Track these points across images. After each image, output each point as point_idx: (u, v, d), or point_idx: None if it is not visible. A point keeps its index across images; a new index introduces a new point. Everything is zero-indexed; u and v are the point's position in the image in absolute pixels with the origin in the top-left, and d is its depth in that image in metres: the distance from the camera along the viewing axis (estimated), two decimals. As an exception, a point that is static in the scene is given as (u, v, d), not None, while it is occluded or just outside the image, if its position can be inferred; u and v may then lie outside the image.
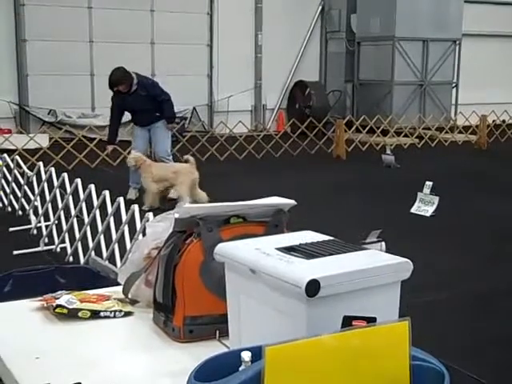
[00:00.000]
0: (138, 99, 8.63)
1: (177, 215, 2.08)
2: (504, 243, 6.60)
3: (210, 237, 1.95)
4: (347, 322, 1.51)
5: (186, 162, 8.46)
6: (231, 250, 1.76)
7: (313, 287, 1.47)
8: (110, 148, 9.16)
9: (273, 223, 2.02)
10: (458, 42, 16.23)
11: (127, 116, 9.34)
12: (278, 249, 1.72)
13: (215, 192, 8.68)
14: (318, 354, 1.30)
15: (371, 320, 1.51)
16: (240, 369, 1.39)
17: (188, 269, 1.94)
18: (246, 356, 1.38)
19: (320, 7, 17.41)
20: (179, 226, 2.05)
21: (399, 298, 1.63)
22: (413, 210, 7.76)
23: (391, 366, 1.34)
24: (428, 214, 7.60)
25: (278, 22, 16.52)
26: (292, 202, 2.07)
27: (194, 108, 15.78)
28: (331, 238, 1.85)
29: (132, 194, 8.64)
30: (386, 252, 3.09)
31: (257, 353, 1.40)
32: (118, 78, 8.68)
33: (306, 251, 1.68)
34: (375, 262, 1.58)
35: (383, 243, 4.12)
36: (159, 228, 2.30)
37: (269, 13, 16.39)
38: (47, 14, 14.18)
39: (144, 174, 8.10)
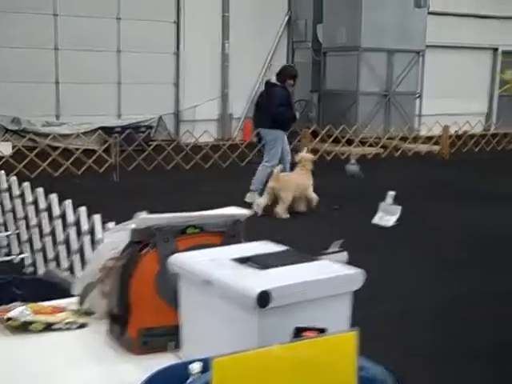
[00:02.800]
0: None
1: (133, 225, 2.07)
2: (466, 252, 6.69)
3: (165, 247, 1.94)
4: (298, 332, 1.52)
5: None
6: (186, 260, 1.76)
7: (264, 298, 1.47)
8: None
9: (230, 233, 2.03)
10: (421, 53, 16.46)
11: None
12: (233, 259, 1.72)
13: (180, 201, 8.66)
14: (266, 365, 1.30)
15: (322, 331, 1.52)
16: (188, 381, 1.39)
17: (143, 279, 1.93)
18: (194, 368, 1.39)
19: (287, 17, 17.52)
20: (136, 237, 2.04)
21: (351, 308, 1.64)
22: (375, 220, 7.82)
23: (339, 376, 1.35)
24: (390, 224, 7.66)
25: (245, 32, 16.58)
26: (248, 212, 2.08)
27: (161, 117, 15.73)
28: (287, 248, 1.86)
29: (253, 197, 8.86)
30: (348, 262, 3.11)
31: (207, 364, 1.40)
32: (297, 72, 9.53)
33: (261, 262, 1.69)
34: (327, 273, 1.59)
35: (345, 253, 4.14)
36: (117, 238, 2.28)
37: (236, 22, 16.44)
38: (12, 21, 14.02)
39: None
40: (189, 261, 1.75)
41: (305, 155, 8.89)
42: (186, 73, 16.15)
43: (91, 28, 14.75)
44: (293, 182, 8.44)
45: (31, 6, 14.17)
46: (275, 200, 8.36)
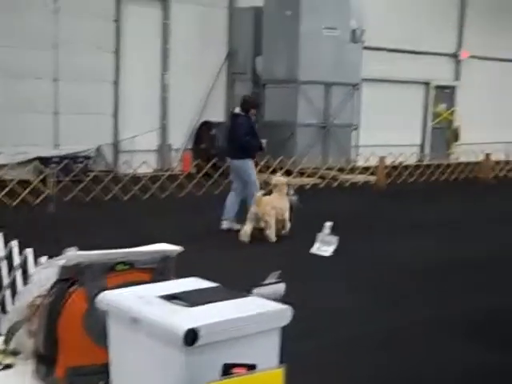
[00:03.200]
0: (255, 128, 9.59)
1: (62, 263, 2.05)
2: (402, 282, 6.80)
3: (94, 285, 1.92)
4: (227, 369, 1.53)
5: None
6: (114, 298, 1.75)
7: (191, 336, 1.47)
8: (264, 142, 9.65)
9: (159, 270, 2.03)
10: (357, 87, 16.84)
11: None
12: (162, 297, 1.71)
13: (117, 234, 8.56)
14: (193, 404, 1.30)
15: (251, 367, 1.53)
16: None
17: (71, 318, 1.90)
18: (122, 409, 1.37)
19: (226, 49, 17.69)
20: (64, 274, 2.01)
21: (279, 343, 1.65)
22: (313, 250, 7.89)
23: (266, 413, 1.36)
24: (327, 254, 7.75)
25: (185, 63, 16.64)
26: (179, 248, 2.08)
27: (99, 147, 15.55)
28: (216, 284, 1.87)
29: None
30: (284, 293, 3.13)
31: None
32: (259, 101, 9.81)
33: (189, 299, 1.69)
34: (255, 309, 1.61)
35: (282, 284, 4.18)
36: (45, 275, 2.24)
37: (176, 53, 16.49)
38: None
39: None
40: (117, 298, 1.74)
41: (279, 179, 9.18)
42: (125, 103, 16.06)
43: (27, 56, 14.54)
44: (274, 205, 8.66)
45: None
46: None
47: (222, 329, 1.53)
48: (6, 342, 2.12)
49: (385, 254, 8.03)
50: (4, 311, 4.17)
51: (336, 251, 7.77)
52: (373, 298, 6.22)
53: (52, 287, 2.02)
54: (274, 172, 13.87)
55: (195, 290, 1.79)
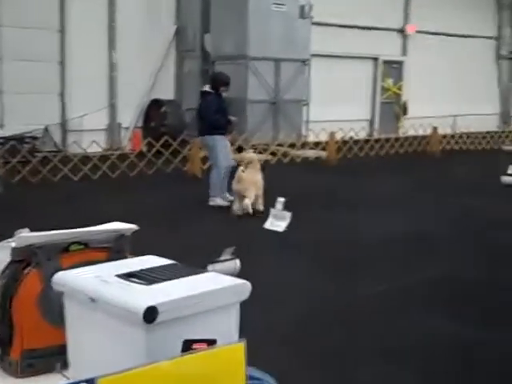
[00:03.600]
0: (225, 106, 9.63)
1: (14, 244, 2.01)
2: (355, 256, 6.90)
3: (48, 266, 1.89)
4: (187, 345, 1.53)
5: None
6: (70, 278, 1.72)
7: (150, 313, 1.47)
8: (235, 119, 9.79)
9: (115, 249, 2.00)
10: (306, 62, 16.88)
11: None
12: (119, 275, 1.70)
13: (70, 214, 8.43)
14: (155, 381, 1.29)
15: (211, 342, 1.53)
16: (75, 402, 1.36)
17: (26, 300, 1.87)
18: (81, 388, 1.35)
19: (175, 26, 17.48)
20: (17, 256, 1.98)
21: (238, 318, 1.66)
22: (266, 226, 7.93)
23: (228, 387, 1.36)
24: (281, 230, 7.80)
25: (133, 41, 16.38)
26: (134, 226, 2.06)
27: (46, 127, 15.24)
28: (172, 262, 1.86)
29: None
30: (239, 269, 3.14)
31: (94, 384, 1.38)
32: (228, 79, 9.76)
33: (147, 277, 1.68)
34: (213, 285, 1.61)
35: (237, 260, 4.19)
36: (-3, 257, 2.20)
37: (123, 31, 16.20)
38: None
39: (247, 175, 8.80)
40: (73, 279, 1.72)
41: (252, 155, 9.29)
42: (72, 82, 15.74)
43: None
44: (252, 180, 8.82)
45: None
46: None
47: (180, 305, 1.52)
48: (-41, 326, 2.06)
49: (338, 228, 8.13)
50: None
51: (289, 226, 7.83)
52: (327, 271, 6.30)
53: (5, 269, 1.98)
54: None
55: (152, 268, 1.78)
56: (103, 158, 12.55)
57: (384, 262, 6.68)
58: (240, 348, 1.37)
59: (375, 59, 20.85)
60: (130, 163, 12.33)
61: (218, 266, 3.23)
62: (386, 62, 21.13)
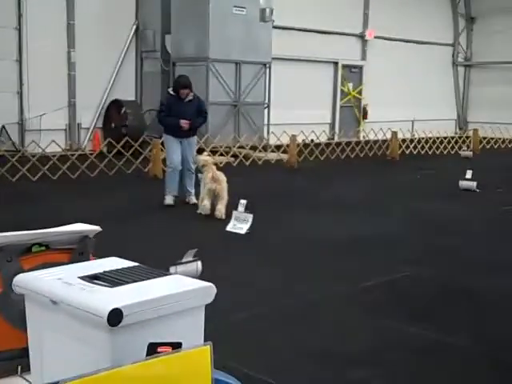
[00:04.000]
0: (190, 109, 9.48)
1: (-27, 245, 1.97)
2: (314, 257, 6.94)
3: (9, 267, 1.86)
4: (152, 348, 1.52)
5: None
6: (31, 280, 1.70)
7: (115, 316, 1.45)
8: (185, 121, 9.51)
9: (78, 250, 1.98)
10: (267, 65, 16.93)
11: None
12: (82, 277, 1.68)
13: (29, 215, 8.30)
14: (119, 384, 1.28)
15: (177, 346, 1.53)
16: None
17: (-14, 302, 1.84)
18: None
19: (134, 26, 17.36)
20: (-24, 257, 1.94)
21: (203, 321, 1.66)
22: (228, 228, 7.93)
23: (194, 390, 1.36)
24: (243, 232, 7.80)
25: (92, 40, 16.22)
26: (97, 228, 2.04)
27: (3, 126, 14.98)
28: (136, 264, 1.85)
29: (170, 200, 9.51)
30: (202, 270, 3.13)
31: (56, 388, 1.36)
32: (187, 82, 9.58)
33: (110, 279, 1.66)
34: (178, 288, 1.60)
35: (199, 262, 4.17)
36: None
37: (82, 30, 16.02)
38: None
39: (206, 174, 8.93)
40: (34, 281, 1.69)
41: (206, 158, 9.37)
42: (30, 81, 15.50)
43: None
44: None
45: None
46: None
47: (145, 308, 1.51)
48: None
49: (298, 230, 8.17)
50: None
51: (251, 228, 7.84)
52: (287, 272, 6.32)
53: (-37, 271, 1.94)
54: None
55: (116, 270, 1.76)
56: (63, 158, 12.40)
57: (341, 262, 6.73)
58: (206, 351, 1.37)
59: (335, 63, 21.05)
60: (90, 164, 12.19)
61: (180, 267, 3.22)
62: (346, 66, 21.36)
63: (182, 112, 9.51)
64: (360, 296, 5.69)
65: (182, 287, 1.62)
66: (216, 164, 9.70)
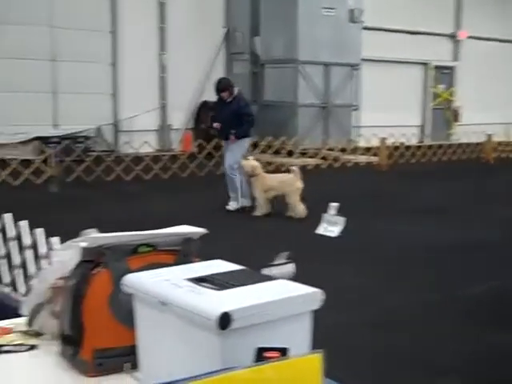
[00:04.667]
0: (227, 110, 9.30)
1: (83, 244, 2.03)
2: (405, 263, 6.81)
3: (117, 267, 1.90)
4: (260, 353, 1.52)
5: (289, 171, 9.00)
6: (140, 281, 1.73)
7: (225, 320, 1.46)
8: (216, 124, 9.61)
9: (183, 252, 2.01)
10: (357, 67, 16.77)
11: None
12: (189, 279, 1.70)
13: (123, 213, 8.54)
14: (232, 388, 1.29)
15: (283, 351, 1.53)
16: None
17: (96, 300, 1.89)
18: (158, 393, 1.36)
19: (224, 29, 17.58)
20: (86, 256, 2.00)
21: (311, 327, 1.65)
22: (319, 231, 7.88)
23: (304, 398, 1.35)
24: (334, 235, 7.74)
25: (183, 43, 16.55)
26: (202, 230, 2.06)
27: (99, 127, 15.51)
28: (242, 267, 1.86)
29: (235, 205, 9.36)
30: (294, 274, 3.12)
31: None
32: (223, 84, 9.51)
33: (217, 282, 1.68)
34: (286, 293, 1.59)
35: (292, 264, 4.14)
36: (65, 257, 2.23)
37: (173, 33, 16.39)
38: None
39: (256, 183, 8.73)
40: (143, 281, 1.73)
41: (250, 163, 9.16)
42: (123, 83, 15.99)
43: (25, 36, 14.45)
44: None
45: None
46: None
47: (253, 313, 1.52)
48: (29, 323, 2.11)
49: (389, 235, 8.03)
50: (15, 290, 4.18)
51: (342, 232, 7.77)
52: (378, 278, 6.23)
53: (74, 269, 2.00)
54: (276, 153, 13.86)
55: (222, 273, 1.77)
56: (155, 158, 12.68)
57: (433, 270, 6.56)
58: (317, 359, 1.35)
59: (426, 64, 20.59)
60: (181, 164, 12.42)
61: (273, 270, 3.22)
62: (437, 68, 20.85)
63: (221, 114, 9.54)
64: (452, 305, 5.54)
65: (290, 292, 1.61)
66: (292, 165, 9.54)
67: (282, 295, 1.57)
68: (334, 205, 7.96)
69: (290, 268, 3.22)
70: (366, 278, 6.23)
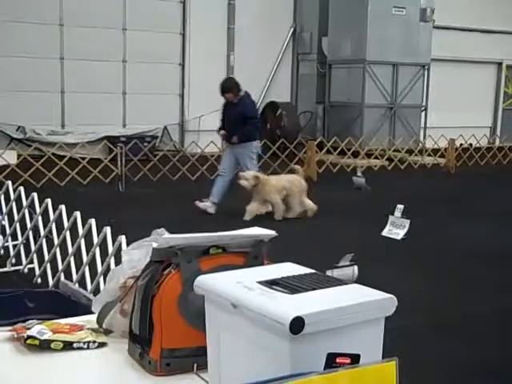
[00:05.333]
0: (232, 111, 8.94)
1: (155, 245, 2.04)
2: (473, 268, 6.64)
3: (188, 268, 1.90)
4: (331, 359, 1.49)
5: (294, 171, 9.00)
6: (212, 282, 1.72)
7: (297, 324, 1.44)
8: (222, 132, 9.28)
9: (253, 254, 1.99)
10: (426, 67, 16.47)
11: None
12: (260, 282, 1.68)
13: (187, 211, 8.62)
14: (305, 395, 1.26)
15: (355, 357, 1.49)
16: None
17: (166, 300, 1.89)
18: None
19: (292, 29, 17.55)
20: (157, 256, 2.00)
21: (382, 334, 1.61)
22: (384, 233, 7.78)
23: (378, 407, 1.32)
24: (399, 238, 7.62)
25: (251, 43, 16.60)
26: (273, 232, 2.04)
27: (165, 127, 15.72)
28: (313, 271, 1.83)
29: (208, 206, 8.91)
30: (358, 275, 3.07)
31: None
32: (227, 85, 9.21)
33: (289, 285, 1.65)
34: (360, 298, 1.55)
35: (355, 267, 4.11)
36: (135, 256, 2.25)
37: (241, 34, 16.47)
38: (18, 30, 14.05)
39: (267, 188, 8.40)
40: (215, 283, 1.72)
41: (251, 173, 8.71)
42: (191, 83, 16.17)
43: (97, 38, 14.78)
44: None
45: (36, 15, 14.19)
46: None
47: (327, 317, 1.48)
48: (99, 321, 2.13)
49: (457, 239, 7.85)
50: (84, 288, 4.26)
51: (407, 234, 7.64)
52: (445, 283, 6.09)
53: (145, 269, 2.02)
54: (341, 153, 13.75)
55: (293, 276, 1.74)
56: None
57: (504, 276, 6.36)
58: (392, 366, 1.31)
59: (499, 64, 20.04)
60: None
61: (336, 271, 3.17)
62: (510, 67, 20.26)
63: (227, 116, 9.20)
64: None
65: (364, 297, 1.57)
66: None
67: (356, 300, 1.53)
68: (400, 207, 7.84)
69: (353, 270, 3.16)
70: (432, 281, 6.10)
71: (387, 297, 1.57)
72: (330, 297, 1.57)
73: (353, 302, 1.53)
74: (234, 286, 1.66)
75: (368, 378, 1.31)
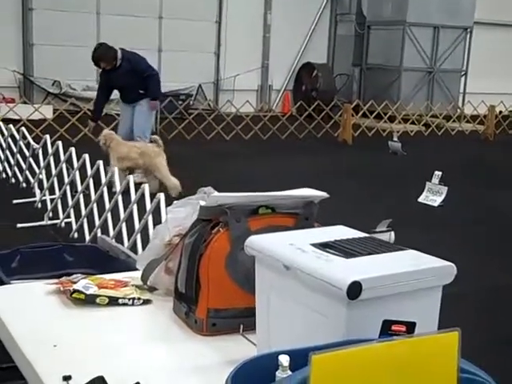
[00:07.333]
0: (122, 75, 8.18)
1: (203, 203, 2.01)
2: (507, 237, 6.53)
3: (237, 227, 1.87)
4: (387, 326, 1.45)
5: (153, 142, 7.82)
6: (264, 243, 1.68)
7: (355, 289, 1.40)
8: (92, 124, 8.84)
9: (303, 216, 1.95)
10: (469, 30, 16.06)
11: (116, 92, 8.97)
12: (313, 245, 1.64)
13: (221, 171, 8.60)
14: (365, 363, 1.22)
15: (411, 325, 1.45)
16: (277, 373, 1.32)
17: (214, 259, 1.86)
18: (284, 360, 1.31)
19: (331, -12, 17.23)
20: (205, 215, 1.97)
21: (439, 302, 1.56)
22: (420, 200, 7.68)
23: (439, 377, 1.27)
24: (436, 204, 7.52)
25: (288, 3, 16.35)
26: (324, 194, 1.99)
27: (200, 85, 15.64)
28: (366, 234, 1.78)
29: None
30: (394, 241, 3.00)
31: (295, 356, 1.34)
32: (99, 54, 8.21)
33: (343, 249, 1.61)
34: (418, 265, 1.51)
35: (392, 233, 4.02)
36: (181, 214, 2.22)
37: (279, -8, 16.22)
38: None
39: (111, 153, 7.44)
40: (267, 244, 1.68)
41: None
42: (226, 42, 16.01)
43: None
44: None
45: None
46: None
47: (384, 283, 1.44)
48: (143, 278, 2.12)
49: (495, 208, 7.71)
50: (121, 243, 4.26)
51: (444, 201, 7.53)
52: (482, 252, 6.00)
53: (192, 227, 1.98)
54: (377, 117, 13.56)
55: (346, 240, 1.70)
56: (254, 118, 12.67)
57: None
58: (454, 337, 1.26)
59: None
60: (280, 125, 12.36)
61: (373, 236, 3.10)
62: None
63: (111, 83, 8.42)
64: None
65: (422, 264, 1.52)
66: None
67: (414, 267, 1.49)
68: (438, 173, 7.71)
69: (390, 236, 3.10)
70: (469, 250, 6.00)
71: (446, 264, 1.52)
72: (387, 262, 1.52)
73: (411, 269, 1.48)
74: (286, 248, 1.62)
75: (428, 348, 1.26)
